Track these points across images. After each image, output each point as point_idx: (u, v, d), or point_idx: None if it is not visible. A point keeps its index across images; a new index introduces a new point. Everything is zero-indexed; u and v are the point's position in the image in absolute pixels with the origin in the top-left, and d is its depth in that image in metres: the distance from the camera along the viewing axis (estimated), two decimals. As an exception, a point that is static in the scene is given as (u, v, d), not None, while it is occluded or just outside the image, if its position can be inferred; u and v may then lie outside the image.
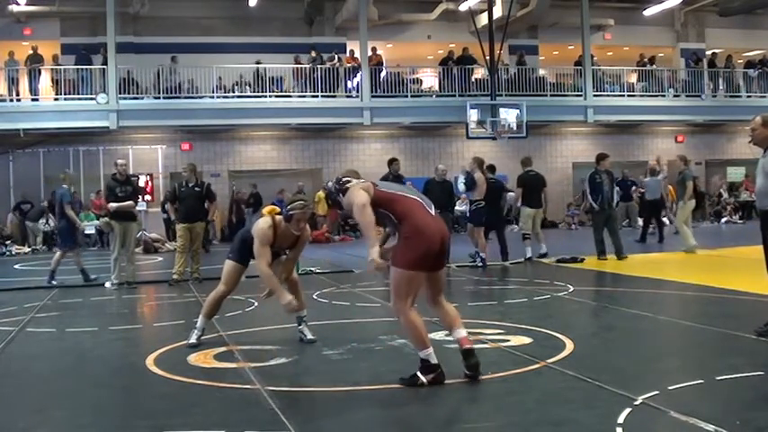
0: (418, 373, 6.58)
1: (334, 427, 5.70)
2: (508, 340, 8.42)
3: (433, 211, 6.83)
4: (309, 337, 8.74)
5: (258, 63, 30.23)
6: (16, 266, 21.48)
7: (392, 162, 17.98)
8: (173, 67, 29.64)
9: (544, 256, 17.83)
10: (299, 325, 8.85)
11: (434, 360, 6.61)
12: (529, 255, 17.71)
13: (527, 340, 8.46)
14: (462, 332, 6.89)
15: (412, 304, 6.66)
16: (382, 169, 21.10)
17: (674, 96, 33.58)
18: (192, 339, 8.66)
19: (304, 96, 30.28)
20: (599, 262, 16.91)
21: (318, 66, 30.58)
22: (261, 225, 8.50)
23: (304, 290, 9.25)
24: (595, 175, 17.46)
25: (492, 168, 19.32)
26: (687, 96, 33.93)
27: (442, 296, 7.01)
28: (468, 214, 17.40)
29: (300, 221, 8.43)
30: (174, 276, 15.14)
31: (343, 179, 7.03)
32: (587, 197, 17.91)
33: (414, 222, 6.62)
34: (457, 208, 18.09)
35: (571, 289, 12.71)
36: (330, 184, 27.73)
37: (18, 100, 28.93)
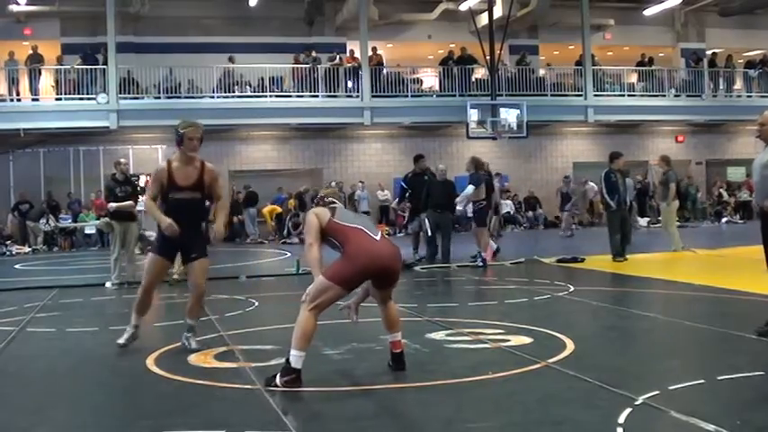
0: (276, 375, 6.71)
1: (335, 426, 5.70)
2: (509, 340, 8.42)
3: (377, 237, 7.02)
4: (194, 346, 8.42)
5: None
6: (16, 266, 21.48)
7: (418, 159, 18.13)
8: (227, 69, 29.90)
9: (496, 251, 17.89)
10: (190, 334, 8.56)
11: (297, 365, 6.67)
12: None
13: (527, 340, 8.46)
14: (398, 336, 7.21)
15: (317, 308, 6.80)
16: (382, 169, 21.21)
17: (675, 96, 33.61)
18: (125, 336, 8.67)
19: (303, 96, 30.26)
20: (601, 261, 16.88)
21: (318, 66, 30.59)
22: (158, 166, 8.80)
23: (303, 290, 9.17)
24: (610, 174, 17.24)
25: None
26: (687, 96, 33.95)
27: (390, 301, 7.25)
28: (469, 214, 17.37)
29: (193, 140, 8.50)
30: (174, 276, 15.12)
31: (325, 197, 7.40)
32: (603, 196, 17.72)
33: (353, 246, 6.86)
34: (458, 208, 18.03)
35: (571, 289, 12.71)
36: (334, 183, 27.79)
37: (18, 100, 28.93)
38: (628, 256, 17.15)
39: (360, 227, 7.01)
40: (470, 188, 17.21)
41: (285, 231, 28.91)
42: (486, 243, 17.30)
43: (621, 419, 5.44)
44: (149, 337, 9.29)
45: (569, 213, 27.84)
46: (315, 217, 7.04)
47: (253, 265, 20.33)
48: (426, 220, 17.55)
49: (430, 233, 17.49)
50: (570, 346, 8.02)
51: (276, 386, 6.60)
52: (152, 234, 22.42)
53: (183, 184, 8.33)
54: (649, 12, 34.32)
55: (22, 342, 9.64)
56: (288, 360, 6.68)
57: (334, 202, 7.27)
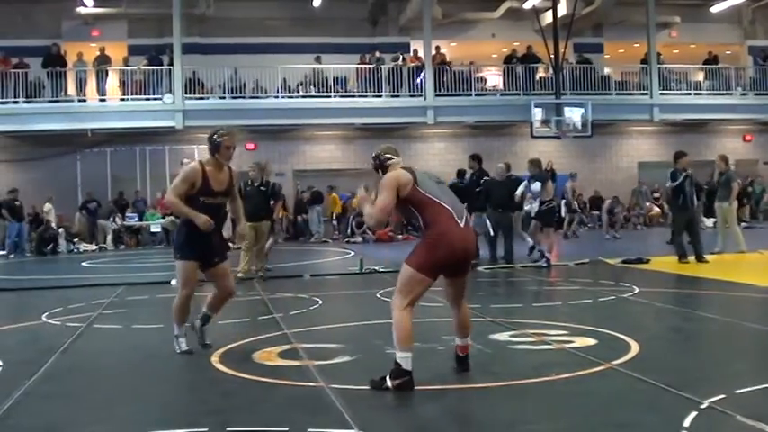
0: (387, 377, 6.54)
1: (397, 425, 5.71)
2: (572, 341, 8.36)
3: (462, 222, 6.76)
4: (206, 342, 8.58)
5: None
6: (84, 264, 21.82)
7: (473, 158, 18.21)
8: (315, 69, 30.29)
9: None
10: (203, 324, 8.68)
11: (407, 366, 6.51)
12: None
13: (591, 342, 8.39)
14: (466, 341, 7.09)
15: (410, 305, 6.67)
16: (446, 168, 21.18)
17: (742, 95, 33.07)
18: (183, 347, 8.39)
19: (366, 96, 30.34)
20: (666, 263, 16.69)
21: (381, 66, 30.64)
22: (188, 165, 8.50)
23: (367, 288, 9.22)
24: (676, 174, 17.03)
25: (460, 173, 19.84)
26: (755, 95, 33.36)
27: (463, 300, 7.09)
28: (534, 214, 17.23)
29: (230, 148, 8.39)
30: (239, 275, 15.22)
31: (385, 155, 7.04)
32: (673, 196, 17.46)
33: (439, 231, 6.63)
34: (525, 208, 17.92)
35: (636, 290, 12.57)
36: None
37: (82, 101, 29.37)
38: (708, 258, 16.88)
39: (448, 207, 6.74)
40: (537, 184, 17.06)
41: (348, 230, 29.03)
42: (552, 243, 17.18)
43: (687, 423, 5.38)
44: (214, 334, 9.37)
45: (610, 216, 27.56)
46: (395, 180, 6.74)
47: (317, 263, 20.42)
48: (487, 221, 17.52)
49: (492, 233, 17.46)
50: (635, 347, 7.94)
51: (387, 388, 6.47)
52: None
53: (217, 189, 8.26)
54: (716, 8, 33.87)
55: (89, 338, 9.80)
56: (396, 362, 6.54)
57: (407, 168, 6.91)
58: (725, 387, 6.22)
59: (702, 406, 5.76)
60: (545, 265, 16.59)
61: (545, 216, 17.15)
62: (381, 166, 7.00)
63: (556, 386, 6.64)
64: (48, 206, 27.89)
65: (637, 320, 10.36)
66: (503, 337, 8.51)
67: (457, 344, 7.11)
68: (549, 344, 8.30)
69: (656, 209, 31.22)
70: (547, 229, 17.18)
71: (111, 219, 28.39)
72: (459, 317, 7.05)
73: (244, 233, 8.98)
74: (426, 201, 6.70)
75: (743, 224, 29.71)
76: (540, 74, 32.06)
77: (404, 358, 6.52)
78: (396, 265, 17.77)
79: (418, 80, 30.83)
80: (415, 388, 6.61)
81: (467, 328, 7.09)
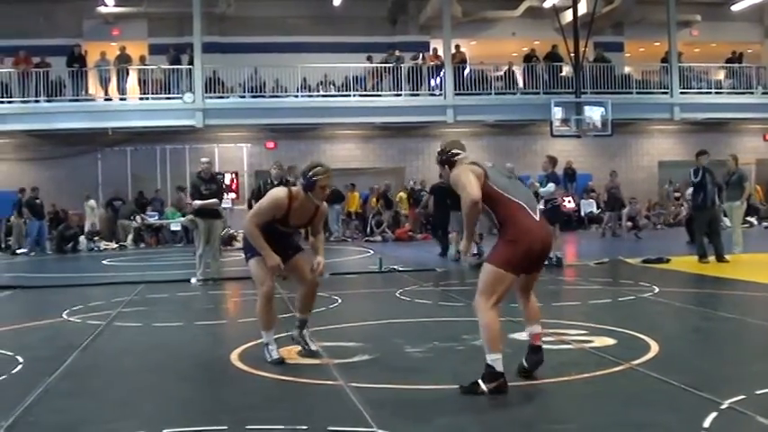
0: (480, 381, 6.36)
1: (416, 424, 5.70)
2: (592, 341, 8.35)
3: (537, 216, 6.67)
4: (311, 348, 8.07)
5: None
6: (104, 262, 21.93)
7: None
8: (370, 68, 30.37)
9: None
10: (302, 330, 8.15)
11: (500, 368, 6.35)
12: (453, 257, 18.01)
13: (611, 341, 8.37)
14: (538, 328, 6.90)
15: (496, 304, 6.50)
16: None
17: (763, 93, 32.84)
18: (275, 355, 7.78)
19: (381, 95, 30.34)
20: (686, 262, 16.63)
21: (401, 65, 30.65)
22: (276, 192, 7.81)
23: (386, 288, 9.22)
24: (698, 172, 16.92)
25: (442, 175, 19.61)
26: (776, 94, 33.21)
27: (532, 292, 6.96)
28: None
29: (325, 188, 7.78)
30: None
31: (453, 150, 6.87)
32: (694, 192, 17.39)
33: (517, 228, 6.50)
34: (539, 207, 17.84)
35: (656, 290, 12.53)
36: (412, 182, 27.80)
37: (108, 99, 29.50)
38: (728, 257, 16.79)
39: (522, 204, 6.62)
40: (551, 186, 17.02)
41: (368, 229, 29.05)
42: (559, 242, 16.98)
43: (706, 424, 5.36)
44: (234, 332, 9.41)
45: (611, 215, 27.51)
46: (471, 173, 6.51)
47: (336, 262, 20.45)
48: None
49: None
50: (654, 347, 7.92)
51: (482, 392, 6.29)
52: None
53: (295, 224, 7.91)
54: (737, 7, 33.68)
55: (109, 336, 9.85)
56: (488, 365, 6.36)
57: (476, 163, 6.71)
58: (745, 388, 6.19)
59: (722, 406, 5.74)
60: (555, 263, 16.30)
61: (550, 215, 17.04)
62: (448, 161, 6.84)
63: (575, 386, 6.63)
64: (92, 202, 28.38)
65: (657, 320, 10.32)
66: (522, 336, 8.50)
67: (532, 333, 6.90)
68: (569, 343, 8.28)
69: (682, 210, 31.06)
70: (552, 228, 17.05)
71: (133, 217, 28.49)
72: (530, 305, 6.95)
73: (320, 270, 7.96)
74: (499, 197, 6.57)
75: (764, 224, 29.69)
76: (561, 73, 31.96)
77: (495, 360, 6.34)
78: (415, 264, 17.92)
79: (436, 80, 30.80)
80: (434, 387, 6.62)
81: (538, 312, 6.98)
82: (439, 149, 6.97)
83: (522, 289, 6.91)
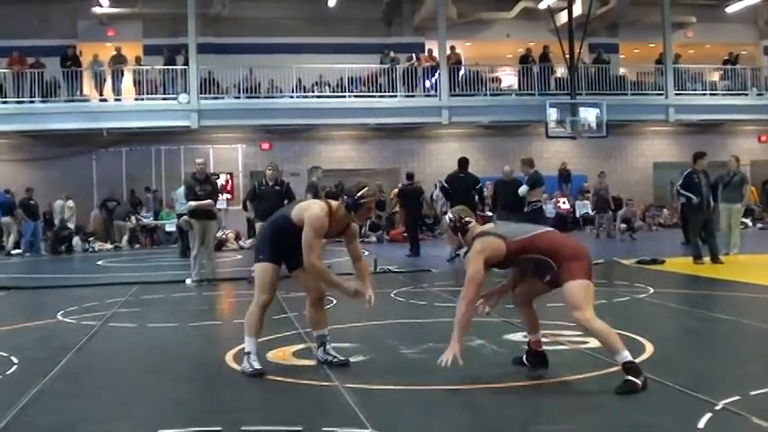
0: (631, 378, 6.32)
1: (411, 425, 5.70)
2: (587, 342, 8.32)
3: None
4: (340, 358, 7.65)
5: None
6: (99, 263, 21.90)
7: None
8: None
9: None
10: (324, 347, 7.72)
11: (636, 360, 6.54)
12: (449, 256, 17.77)
13: (606, 342, 8.37)
14: (539, 335, 7.19)
15: (594, 310, 6.69)
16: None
17: (758, 95, 32.89)
18: (256, 365, 7.33)
19: (373, 96, 30.38)
20: (681, 263, 16.65)
21: (396, 66, 30.67)
22: (317, 212, 7.23)
23: (381, 288, 9.21)
24: (693, 175, 16.80)
25: (409, 176, 22.51)
26: (771, 95, 33.27)
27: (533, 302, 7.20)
28: (548, 214, 17.24)
29: (371, 210, 7.55)
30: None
31: (465, 219, 6.98)
32: (679, 196, 17.43)
33: (568, 245, 6.78)
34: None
35: (651, 291, 12.54)
36: (401, 184, 27.84)
37: (102, 100, 29.47)
38: (723, 259, 16.79)
39: (548, 229, 7.00)
40: (524, 188, 17.06)
41: (362, 230, 29.04)
42: None
43: (701, 424, 5.36)
44: (229, 333, 9.40)
45: (602, 216, 27.59)
46: (480, 255, 6.70)
47: (331, 262, 20.41)
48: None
49: None
50: (650, 348, 7.93)
51: (639, 387, 6.26)
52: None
53: (327, 236, 7.51)
54: (731, 9, 33.72)
55: (104, 337, 9.83)
56: (626, 364, 6.39)
57: (487, 232, 6.88)
58: (739, 388, 6.20)
59: (717, 407, 5.74)
60: None
61: (533, 217, 17.01)
62: (462, 229, 6.97)
63: (570, 387, 6.63)
64: (61, 203, 27.95)
65: (651, 321, 10.33)
66: (517, 337, 8.49)
67: (533, 340, 7.20)
68: (564, 344, 8.29)
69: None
70: None
71: (128, 218, 28.46)
72: (532, 314, 7.25)
73: (351, 291, 7.66)
74: (530, 241, 6.76)
75: (758, 225, 29.74)
76: (556, 74, 32.02)
77: (627, 357, 6.44)
78: (411, 265, 17.88)
79: (431, 80, 30.83)
80: (429, 388, 6.62)
81: (538, 322, 7.28)
82: (450, 218, 7.04)
83: (526, 298, 7.18)
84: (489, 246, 6.70)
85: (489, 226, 7.06)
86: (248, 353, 7.38)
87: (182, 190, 21.91)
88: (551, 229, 6.98)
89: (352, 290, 7.53)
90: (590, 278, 6.73)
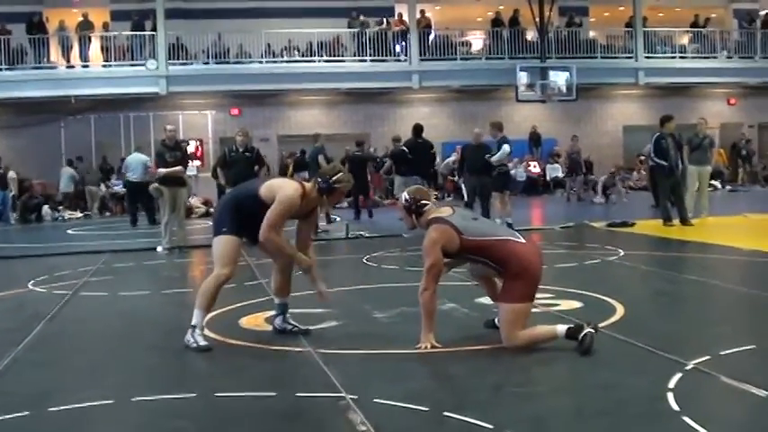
0: (580, 336, 6.38)
1: (384, 388, 5.72)
2: (558, 304, 8.41)
3: (522, 239, 6.86)
4: (300, 327, 7.55)
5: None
6: (69, 231, 21.75)
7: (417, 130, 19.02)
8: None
9: None
10: (284, 316, 7.63)
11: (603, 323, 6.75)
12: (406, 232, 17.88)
13: (577, 304, 8.44)
14: None
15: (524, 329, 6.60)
16: (431, 133, 21.20)
17: (727, 58, 33.07)
18: (202, 342, 7.07)
19: (343, 61, 30.36)
20: (651, 226, 16.75)
21: (366, 30, 30.54)
22: (290, 193, 7.10)
23: (353, 254, 9.21)
24: (661, 140, 16.85)
25: (359, 143, 22.96)
26: (740, 58, 33.43)
27: None
28: (519, 178, 17.25)
29: (343, 195, 7.61)
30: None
31: (421, 201, 6.92)
32: (651, 160, 17.52)
33: (518, 259, 6.59)
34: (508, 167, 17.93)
35: (622, 253, 12.63)
36: (373, 149, 27.80)
37: (70, 67, 29.18)
38: (693, 221, 16.84)
39: (506, 237, 6.78)
40: (507, 147, 17.01)
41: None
42: (499, 208, 16.98)
43: (672, 384, 5.42)
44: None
45: (573, 179, 27.72)
46: (435, 243, 6.64)
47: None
48: (463, 186, 17.59)
49: (467, 198, 17.39)
50: (620, 310, 7.99)
51: (594, 335, 6.36)
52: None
53: (297, 214, 7.33)
54: (701, -29, 33.78)
55: (75, 306, 9.79)
56: (567, 331, 6.48)
57: (442, 219, 6.74)
58: (709, 349, 6.28)
59: (687, 367, 5.81)
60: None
61: (500, 181, 17.03)
62: (416, 211, 6.91)
63: (541, 349, 6.66)
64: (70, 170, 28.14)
65: (622, 283, 10.43)
66: (488, 300, 8.53)
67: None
68: (535, 307, 8.31)
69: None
70: (501, 195, 17.07)
71: (99, 185, 28.27)
72: (493, 284, 7.19)
73: (306, 263, 7.53)
74: (483, 243, 6.66)
75: (728, 187, 29.98)
76: (526, 37, 31.98)
77: (561, 328, 6.58)
78: (383, 230, 17.87)
79: (401, 45, 30.75)
80: (402, 352, 6.65)
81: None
82: (405, 198, 6.98)
83: (485, 276, 7.19)
84: (444, 234, 6.64)
85: (447, 212, 6.84)
86: (194, 326, 7.14)
87: (133, 157, 21.92)
88: (511, 237, 6.77)
89: (306, 264, 7.43)
90: (530, 299, 6.66)
